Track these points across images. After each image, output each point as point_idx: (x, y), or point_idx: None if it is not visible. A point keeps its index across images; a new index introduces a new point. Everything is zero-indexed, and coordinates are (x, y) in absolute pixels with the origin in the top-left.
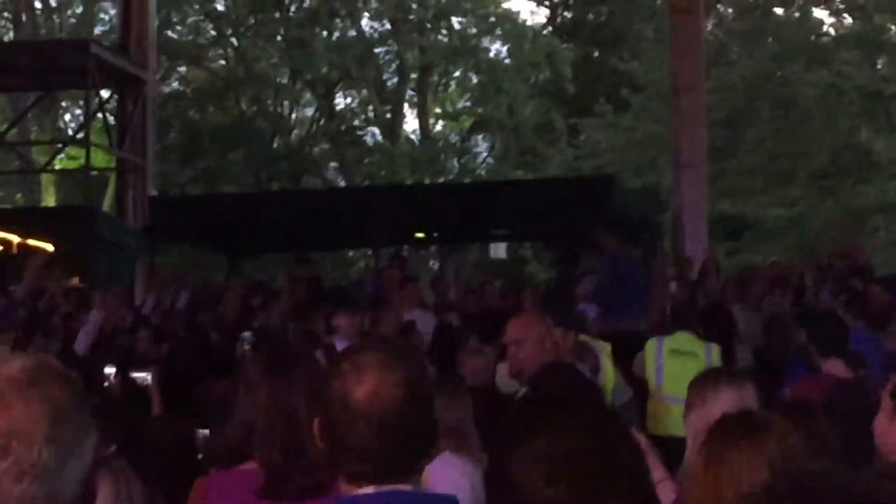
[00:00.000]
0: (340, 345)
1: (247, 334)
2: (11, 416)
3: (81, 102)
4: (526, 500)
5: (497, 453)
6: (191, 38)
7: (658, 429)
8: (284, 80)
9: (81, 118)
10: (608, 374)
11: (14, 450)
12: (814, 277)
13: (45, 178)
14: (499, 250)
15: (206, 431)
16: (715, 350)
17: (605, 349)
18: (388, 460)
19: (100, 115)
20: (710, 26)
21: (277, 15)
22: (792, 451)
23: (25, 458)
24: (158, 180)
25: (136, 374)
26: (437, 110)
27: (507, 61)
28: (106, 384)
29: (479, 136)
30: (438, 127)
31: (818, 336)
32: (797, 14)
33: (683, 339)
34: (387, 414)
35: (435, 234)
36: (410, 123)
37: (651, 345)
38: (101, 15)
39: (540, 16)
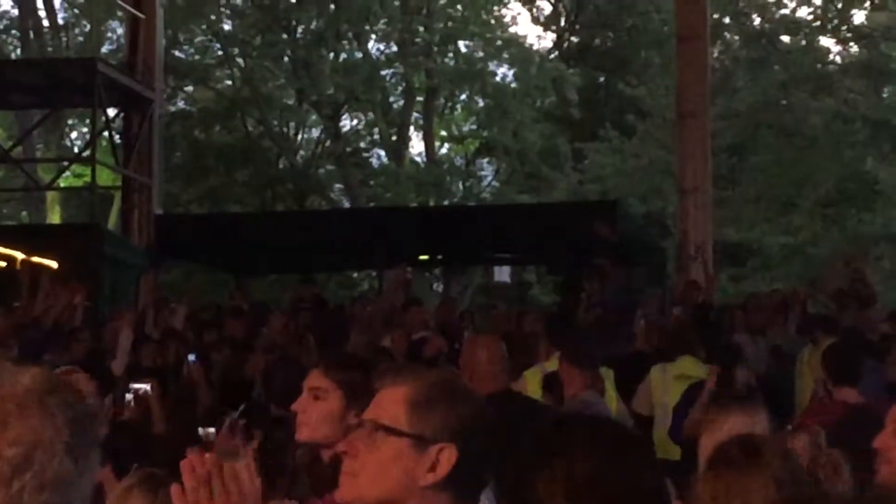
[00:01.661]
0: None
1: (191, 357)
2: (33, 426)
3: (87, 121)
4: None
5: (518, 473)
6: (197, 57)
7: (671, 454)
8: (290, 101)
9: (87, 136)
10: (611, 401)
11: (37, 460)
12: (835, 302)
13: (51, 196)
14: (502, 274)
15: None
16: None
17: (608, 376)
18: None
19: (106, 133)
20: (716, 53)
21: (284, 36)
22: (795, 474)
23: (48, 469)
24: (164, 199)
25: (137, 385)
26: (443, 133)
27: (513, 85)
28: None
29: (485, 160)
30: (444, 150)
31: (831, 365)
32: (803, 42)
33: (687, 364)
34: None
35: (439, 257)
36: (416, 146)
37: (656, 372)
38: (109, 34)
39: (546, 40)
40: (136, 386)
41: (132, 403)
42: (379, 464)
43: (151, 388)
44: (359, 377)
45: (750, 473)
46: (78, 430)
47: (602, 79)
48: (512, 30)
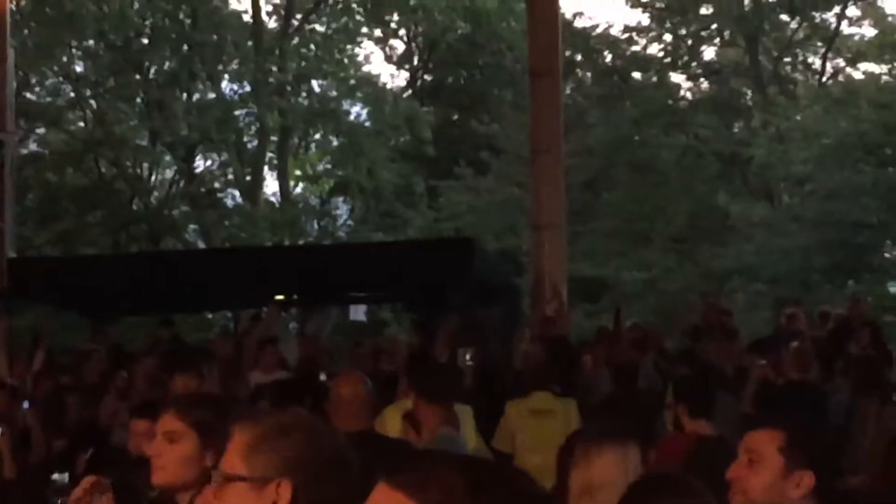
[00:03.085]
0: None
1: (25, 403)
2: None
3: None
4: None
5: None
6: (49, 100)
7: None
8: (144, 143)
9: None
10: (469, 438)
11: None
12: (690, 337)
13: None
14: (358, 312)
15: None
16: (572, 407)
17: (465, 412)
18: None
19: None
20: (568, 90)
21: (137, 77)
22: None
23: None
24: (17, 242)
25: None
26: (298, 172)
27: (367, 124)
28: None
29: (340, 199)
30: (298, 189)
31: (685, 397)
32: (655, 78)
33: (540, 399)
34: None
35: (295, 297)
36: (270, 186)
37: (511, 408)
38: None
39: (400, 79)
40: None
41: None
42: None
43: (2, 433)
44: (212, 417)
45: None
46: None
47: (456, 117)
48: (365, 69)
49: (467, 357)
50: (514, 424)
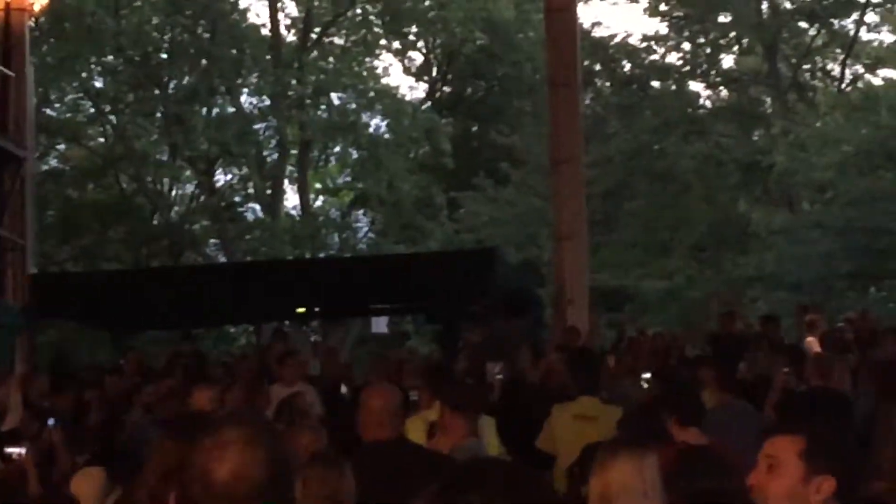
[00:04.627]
0: None
1: (51, 421)
2: None
3: None
4: None
5: None
6: (69, 115)
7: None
8: (164, 157)
9: None
10: (493, 449)
11: None
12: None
13: None
14: (380, 324)
15: None
16: (617, 414)
17: (489, 423)
18: None
19: None
20: (587, 100)
21: (156, 92)
22: None
23: None
24: (38, 258)
25: (11, 450)
26: (318, 186)
27: (386, 136)
28: None
29: (360, 212)
30: (319, 202)
31: (681, 408)
32: (673, 87)
33: (586, 405)
34: (249, 493)
35: (316, 309)
36: (291, 199)
37: (556, 410)
38: None
39: (419, 91)
40: (10, 450)
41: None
42: None
43: (26, 451)
44: None
45: None
46: None
47: (475, 128)
48: (384, 81)
49: (496, 370)
50: (556, 427)
